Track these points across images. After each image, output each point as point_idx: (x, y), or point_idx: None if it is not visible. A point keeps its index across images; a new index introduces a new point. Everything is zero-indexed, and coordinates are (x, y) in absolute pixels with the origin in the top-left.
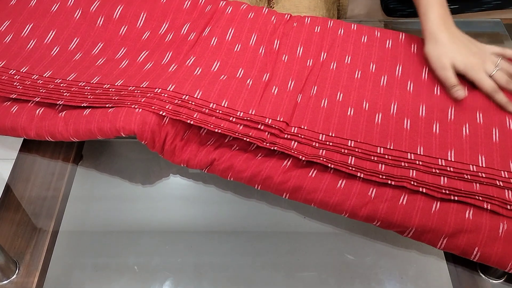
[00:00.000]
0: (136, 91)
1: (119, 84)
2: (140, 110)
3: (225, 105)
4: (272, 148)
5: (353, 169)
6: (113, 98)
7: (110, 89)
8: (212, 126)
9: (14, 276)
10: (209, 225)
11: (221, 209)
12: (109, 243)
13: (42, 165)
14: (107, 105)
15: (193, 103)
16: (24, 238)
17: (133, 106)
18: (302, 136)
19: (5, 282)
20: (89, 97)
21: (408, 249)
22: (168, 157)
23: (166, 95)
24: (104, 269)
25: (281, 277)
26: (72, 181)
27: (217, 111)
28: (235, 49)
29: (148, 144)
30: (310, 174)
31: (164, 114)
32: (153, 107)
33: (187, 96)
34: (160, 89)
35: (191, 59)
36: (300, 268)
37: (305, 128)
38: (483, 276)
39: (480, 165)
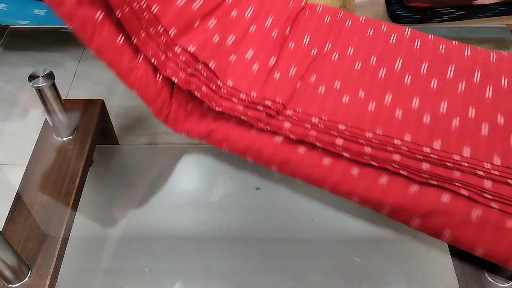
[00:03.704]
0: (160, 43)
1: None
2: (161, 78)
3: (230, 85)
4: (265, 128)
5: (340, 149)
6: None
7: None
8: (214, 104)
9: (26, 279)
10: (218, 230)
11: (230, 214)
12: (119, 248)
13: (53, 170)
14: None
15: (204, 74)
16: (36, 242)
17: (152, 60)
18: (296, 118)
19: (18, 284)
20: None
21: (415, 253)
22: (171, 125)
23: (183, 59)
24: (115, 273)
25: (289, 281)
26: (83, 186)
27: (222, 90)
28: (250, 29)
29: (155, 112)
30: (298, 150)
31: (176, 81)
32: (167, 71)
33: (201, 65)
34: (180, 48)
35: (212, 22)
36: (308, 272)
37: (300, 111)
38: (490, 279)
39: (465, 155)
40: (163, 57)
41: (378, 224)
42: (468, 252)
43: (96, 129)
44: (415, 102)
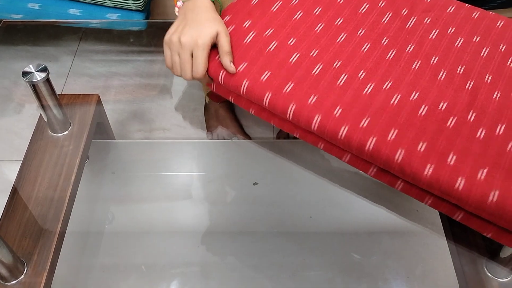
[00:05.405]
0: None
1: None
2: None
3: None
4: None
5: None
6: None
7: None
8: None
9: (22, 276)
10: (216, 225)
11: (227, 210)
12: (116, 244)
13: (49, 166)
14: None
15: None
16: (32, 239)
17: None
18: None
19: (13, 282)
20: None
21: (414, 249)
22: None
23: None
24: (111, 269)
25: (288, 277)
26: (79, 182)
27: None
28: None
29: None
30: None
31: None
32: None
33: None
34: None
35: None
36: (306, 268)
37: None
38: (489, 275)
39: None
40: None
41: (377, 221)
42: (467, 250)
43: (91, 124)
44: (384, 40)
